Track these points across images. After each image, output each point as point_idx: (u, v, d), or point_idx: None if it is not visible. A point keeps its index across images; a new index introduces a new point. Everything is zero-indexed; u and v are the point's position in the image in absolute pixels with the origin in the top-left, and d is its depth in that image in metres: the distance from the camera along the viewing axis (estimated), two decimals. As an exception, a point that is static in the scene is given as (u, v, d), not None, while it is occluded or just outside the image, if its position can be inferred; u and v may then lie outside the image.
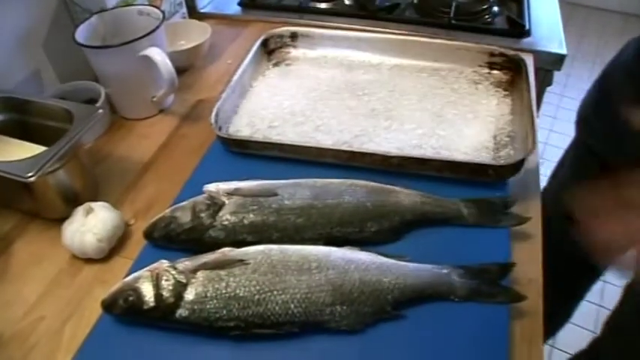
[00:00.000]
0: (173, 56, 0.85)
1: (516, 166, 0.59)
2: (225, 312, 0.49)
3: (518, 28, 0.95)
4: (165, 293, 0.50)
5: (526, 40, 0.94)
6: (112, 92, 0.79)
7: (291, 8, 1.05)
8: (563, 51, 0.92)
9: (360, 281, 0.51)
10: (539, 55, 0.91)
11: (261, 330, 0.50)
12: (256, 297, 0.50)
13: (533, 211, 0.61)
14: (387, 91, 0.75)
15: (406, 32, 0.94)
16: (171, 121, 0.81)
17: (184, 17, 1.02)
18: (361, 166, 0.64)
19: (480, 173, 0.61)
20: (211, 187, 0.59)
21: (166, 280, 0.51)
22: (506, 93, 0.75)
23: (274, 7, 1.07)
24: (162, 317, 0.51)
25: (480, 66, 0.79)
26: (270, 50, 0.86)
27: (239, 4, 1.07)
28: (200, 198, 0.59)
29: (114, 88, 0.78)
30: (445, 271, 0.53)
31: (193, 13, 1.06)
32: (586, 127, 0.88)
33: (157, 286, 0.51)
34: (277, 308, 0.50)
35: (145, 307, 0.50)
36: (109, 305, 0.52)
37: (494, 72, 0.79)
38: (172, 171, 0.72)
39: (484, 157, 0.64)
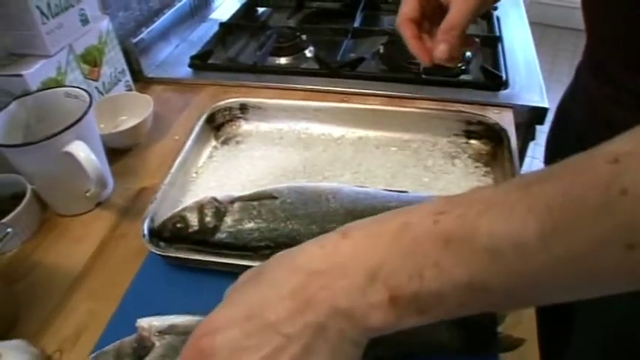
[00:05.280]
0: (111, 138, 0.76)
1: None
2: (257, 234, 0.57)
3: (494, 80, 0.86)
4: (208, 219, 0.58)
5: (504, 92, 0.85)
6: (39, 189, 0.69)
7: (245, 68, 0.96)
8: (545, 104, 0.83)
9: (369, 206, 0.58)
10: (519, 109, 0.82)
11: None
12: (284, 221, 0.57)
13: (527, 324, 0.52)
14: (350, 174, 0.66)
15: (372, 91, 0.86)
16: (110, 217, 0.70)
17: (128, 86, 0.92)
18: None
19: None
20: (144, 323, 0.49)
21: (209, 209, 0.58)
22: (487, 169, 0.66)
23: (227, 68, 0.97)
24: (204, 240, 0.58)
25: (457, 135, 0.71)
26: (217, 125, 0.77)
27: (190, 65, 0.98)
28: (127, 341, 0.49)
29: (40, 184, 0.68)
30: None
31: (140, 78, 0.97)
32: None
33: (200, 213, 0.58)
34: (302, 229, 0.56)
35: (190, 230, 0.58)
36: (158, 231, 0.59)
37: (473, 142, 0.70)
38: (107, 283, 0.61)
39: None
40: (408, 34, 0.58)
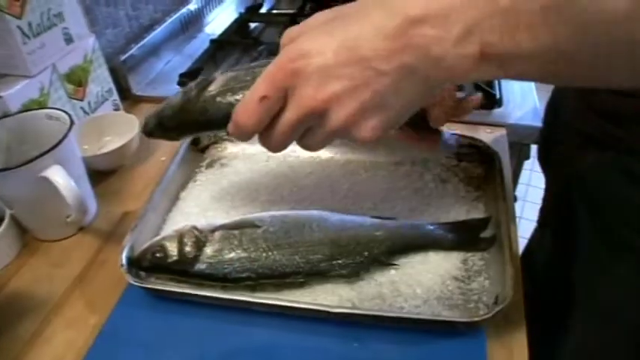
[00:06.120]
0: (94, 160, 0.74)
1: (494, 316, 0.47)
2: (238, 265, 0.54)
3: (488, 98, 0.84)
4: (188, 249, 0.55)
5: (498, 111, 0.83)
6: (18, 214, 0.67)
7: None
8: (539, 122, 0.81)
9: (355, 236, 0.57)
10: (512, 128, 0.80)
11: (270, 280, 0.55)
12: (265, 252, 0.55)
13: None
14: (338, 198, 0.64)
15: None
16: (92, 242, 0.68)
17: (116, 105, 0.91)
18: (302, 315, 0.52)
19: (447, 326, 0.49)
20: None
21: (189, 238, 0.56)
22: (478, 194, 0.63)
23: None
24: (184, 270, 0.56)
25: (448, 157, 0.69)
26: (202, 147, 0.75)
27: (178, 83, 0.97)
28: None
29: (19, 210, 0.66)
30: (430, 227, 0.59)
31: (128, 96, 0.95)
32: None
33: (180, 243, 0.56)
34: (284, 260, 0.54)
35: (170, 260, 0.55)
36: (137, 260, 0.57)
37: (464, 164, 0.68)
38: (86, 312, 0.59)
39: (452, 290, 0.53)
40: None
